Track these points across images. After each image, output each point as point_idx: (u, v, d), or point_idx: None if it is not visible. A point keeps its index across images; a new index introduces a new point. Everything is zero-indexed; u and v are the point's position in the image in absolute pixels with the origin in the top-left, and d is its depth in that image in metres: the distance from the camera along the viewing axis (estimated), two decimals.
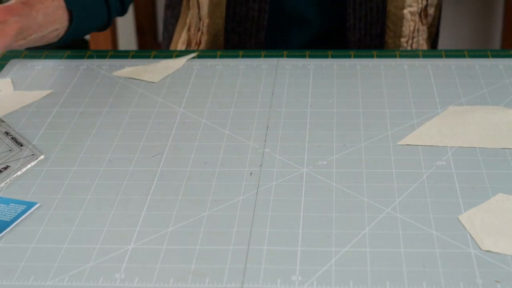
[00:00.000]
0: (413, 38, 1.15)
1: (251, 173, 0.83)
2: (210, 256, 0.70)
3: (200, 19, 1.16)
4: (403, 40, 1.14)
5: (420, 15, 1.14)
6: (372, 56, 1.08)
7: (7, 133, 0.91)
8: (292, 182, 0.81)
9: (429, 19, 1.17)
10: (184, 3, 1.17)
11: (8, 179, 0.82)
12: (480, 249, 0.70)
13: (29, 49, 1.08)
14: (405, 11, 1.12)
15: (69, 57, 1.12)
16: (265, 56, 1.10)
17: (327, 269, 0.68)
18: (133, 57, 1.12)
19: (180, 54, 1.11)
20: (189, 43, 1.22)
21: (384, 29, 1.14)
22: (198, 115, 0.95)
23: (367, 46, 1.15)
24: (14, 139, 0.90)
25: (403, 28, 1.13)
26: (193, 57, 1.10)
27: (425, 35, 1.17)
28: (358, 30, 1.14)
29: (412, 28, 1.14)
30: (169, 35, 1.31)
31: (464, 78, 1.01)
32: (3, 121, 0.94)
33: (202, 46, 1.19)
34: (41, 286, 0.67)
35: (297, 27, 1.19)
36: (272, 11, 1.15)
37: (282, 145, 0.88)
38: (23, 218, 0.76)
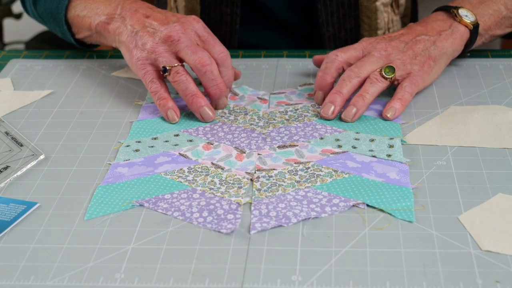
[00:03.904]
0: (388, 29, 1.15)
1: None
2: (210, 256, 0.70)
3: None
4: (379, 32, 1.14)
5: (392, 6, 1.14)
6: None
7: (7, 133, 0.91)
8: None
9: (401, 9, 1.17)
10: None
11: (8, 179, 0.82)
12: (480, 249, 0.70)
13: (29, 49, 1.08)
14: (378, 3, 1.12)
15: (69, 57, 1.12)
16: (265, 56, 1.10)
17: (327, 269, 0.68)
18: None
19: None
20: None
21: (358, 22, 1.14)
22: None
23: (342, 41, 1.15)
24: (14, 139, 0.90)
25: (378, 21, 1.13)
26: None
27: (399, 25, 1.17)
28: (331, 25, 1.14)
29: (386, 19, 1.14)
30: None
31: (464, 78, 1.01)
32: (3, 121, 0.94)
33: None
34: (41, 286, 0.67)
35: (271, 28, 1.19)
36: (244, 14, 1.16)
37: None
38: (23, 218, 0.76)
